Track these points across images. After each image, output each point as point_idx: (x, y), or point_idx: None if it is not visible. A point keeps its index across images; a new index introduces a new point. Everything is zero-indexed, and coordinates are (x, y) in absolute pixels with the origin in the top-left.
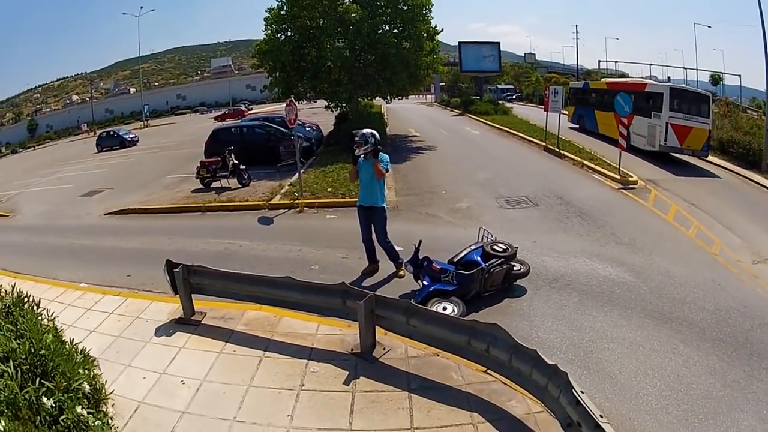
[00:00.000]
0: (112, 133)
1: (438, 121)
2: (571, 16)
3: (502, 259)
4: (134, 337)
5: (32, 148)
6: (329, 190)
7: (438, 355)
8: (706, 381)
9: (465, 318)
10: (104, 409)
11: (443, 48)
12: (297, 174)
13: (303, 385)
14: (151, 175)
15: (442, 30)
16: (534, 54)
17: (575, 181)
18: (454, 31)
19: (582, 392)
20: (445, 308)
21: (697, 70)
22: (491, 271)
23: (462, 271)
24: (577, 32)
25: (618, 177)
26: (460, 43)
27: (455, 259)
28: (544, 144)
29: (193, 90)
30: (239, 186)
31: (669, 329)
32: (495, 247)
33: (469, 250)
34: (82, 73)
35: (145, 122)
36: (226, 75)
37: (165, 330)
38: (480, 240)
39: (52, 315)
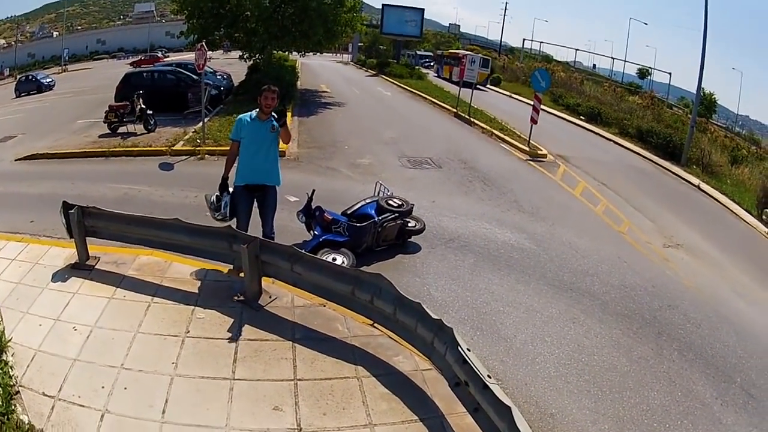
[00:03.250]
0: (29, 77)
1: (351, 79)
2: None
3: (397, 214)
4: (33, 284)
5: None
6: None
7: (324, 306)
8: (609, 354)
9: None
10: (4, 358)
11: (367, 9)
12: (202, 121)
13: (188, 332)
14: (63, 120)
15: None
16: (458, 26)
17: (482, 148)
18: None
19: (468, 350)
20: (334, 259)
21: (624, 61)
22: (384, 225)
23: (354, 223)
24: (505, 9)
25: (527, 149)
26: (383, 5)
27: (348, 211)
28: (455, 111)
29: (114, 35)
30: (145, 132)
31: (569, 299)
32: (390, 202)
33: (363, 203)
34: (11, 17)
35: (64, 67)
36: (148, 21)
37: (61, 275)
38: (376, 194)
39: None
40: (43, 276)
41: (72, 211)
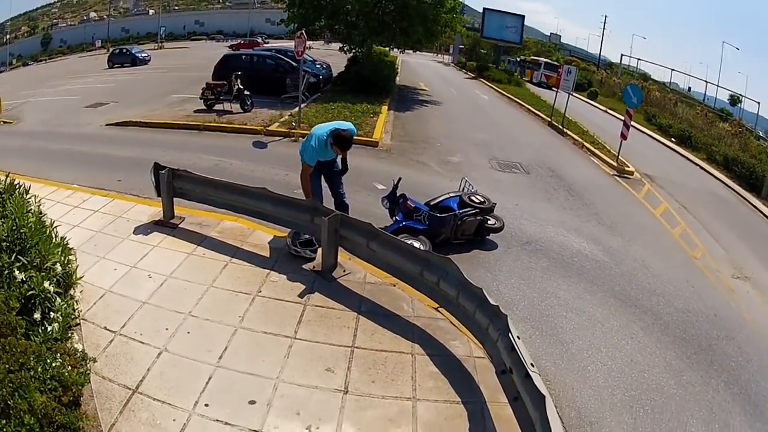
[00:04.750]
0: (124, 50)
1: (450, 80)
2: (604, 6)
3: (478, 210)
4: (113, 234)
5: (44, 61)
6: None
7: (395, 285)
8: (659, 374)
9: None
10: (72, 293)
11: (469, 12)
12: (299, 106)
13: (260, 291)
14: (157, 93)
15: None
16: (559, 36)
17: (571, 159)
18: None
19: (518, 337)
20: (411, 244)
21: (717, 86)
22: (464, 219)
23: (435, 213)
24: (605, 23)
25: (615, 164)
26: (484, 9)
27: (432, 203)
28: (549, 119)
29: (213, 17)
30: (241, 111)
31: (632, 314)
32: (473, 198)
33: (447, 196)
34: None
35: (160, 44)
36: (248, 6)
37: (143, 229)
38: (460, 190)
39: (38, 201)
40: (125, 228)
41: (163, 171)
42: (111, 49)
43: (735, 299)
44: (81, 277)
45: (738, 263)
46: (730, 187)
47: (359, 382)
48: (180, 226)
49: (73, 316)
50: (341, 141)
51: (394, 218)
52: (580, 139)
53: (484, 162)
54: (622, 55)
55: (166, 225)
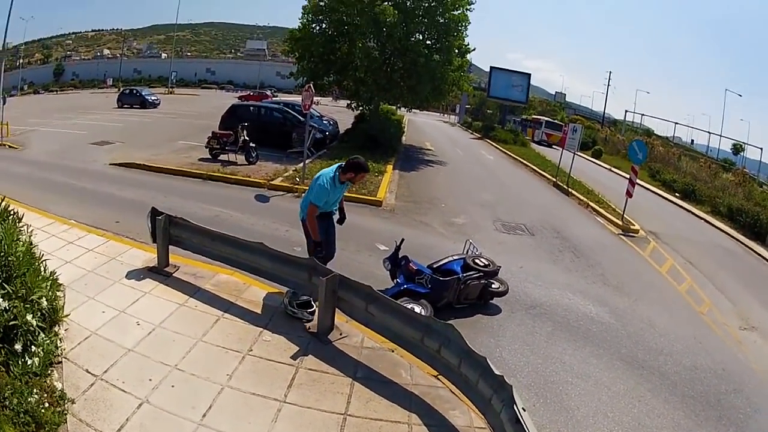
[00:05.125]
0: (134, 91)
1: (456, 140)
2: (608, 63)
3: (482, 274)
4: (105, 275)
5: (55, 92)
6: None
7: (393, 351)
8: None
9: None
10: (56, 329)
11: (475, 71)
12: (303, 161)
13: (251, 350)
14: (164, 137)
15: (474, 49)
16: (564, 94)
17: (577, 219)
18: (489, 57)
19: (524, 409)
20: (412, 309)
21: (720, 136)
22: (467, 283)
23: (438, 277)
24: (609, 79)
25: (620, 223)
26: (491, 67)
27: (435, 265)
28: (554, 180)
29: (224, 66)
30: (245, 163)
31: (639, 376)
32: (477, 261)
33: (450, 259)
34: (117, 29)
35: (171, 89)
36: (259, 58)
37: (136, 274)
38: (464, 252)
39: (32, 231)
40: (118, 270)
41: (160, 217)
42: (121, 89)
43: (743, 351)
44: (67, 315)
45: (745, 314)
46: (734, 238)
47: None
48: (174, 275)
49: (55, 354)
50: (356, 166)
51: (395, 281)
52: (585, 199)
53: (488, 223)
54: (626, 111)
55: (160, 272)
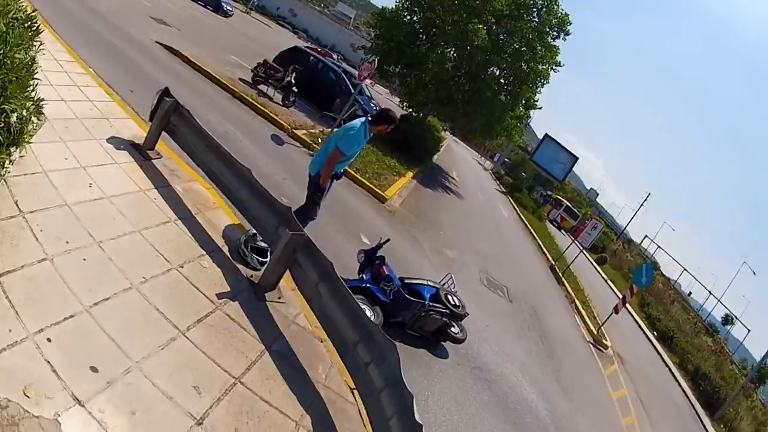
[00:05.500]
0: None
1: (482, 184)
2: (651, 182)
3: (448, 312)
4: (89, 128)
5: None
6: None
7: (322, 342)
8: None
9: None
10: (11, 150)
11: (527, 132)
12: (332, 127)
13: (182, 267)
14: (219, 45)
15: (540, 107)
16: (597, 194)
17: (557, 308)
18: (545, 126)
19: None
20: (364, 310)
21: (718, 301)
22: (429, 314)
23: (404, 293)
24: (645, 200)
25: (595, 333)
26: (546, 135)
27: (406, 280)
28: (552, 263)
29: (307, 15)
30: (280, 104)
31: None
32: (449, 297)
33: (425, 282)
34: None
35: (248, 10)
36: (342, 24)
37: (117, 142)
38: (440, 283)
39: (40, 48)
40: (103, 130)
41: (168, 99)
42: None
43: None
44: (30, 142)
45: None
46: (688, 397)
47: (219, 423)
48: (153, 160)
49: None
50: (389, 117)
51: (360, 275)
52: (572, 294)
53: (475, 271)
54: (645, 236)
55: (141, 152)
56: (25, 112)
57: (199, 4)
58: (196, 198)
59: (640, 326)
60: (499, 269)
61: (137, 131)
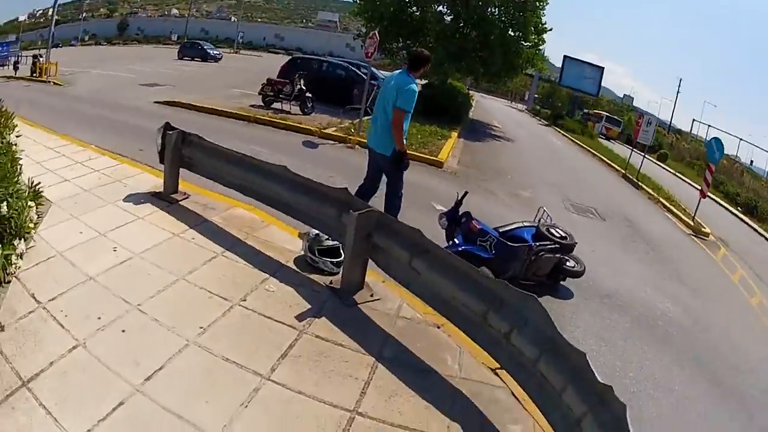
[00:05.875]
0: (197, 44)
1: (523, 124)
2: (680, 71)
3: (557, 246)
4: (101, 195)
5: (118, 44)
6: None
7: (440, 327)
8: None
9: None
10: (16, 243)
11: (546, 64)
12: (359, 116)
13: (245, 300)
14: (218, 85)
15: (551, 29)
16: (632, 98)
17: (647, 212)
18: (561, 52)
19: None
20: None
21: None
22: (539, 255)
23: (505, 242)
24: (679, 86)
25: (691, 223)
26: (565, 56)
27: (502, 229)
28: (623, 171)
29: (294, 33)
30: (300, 114)
31: (719, 396)
32: (552, 231)
33: (521, 224)
34: None
35: (236, 49)
36: (330, 29)
37: (136, 198)
38: (536, 220)
39: (16, 131)
40: (118, 193)
41: (171, 132)
42: (183, 42)
43: None
44: (35, 228)
45: None
46: None
47: None
48: (180, 202)
49: (7, 271)
50: (423, 57)
51: (451, 241)
52: (655, 194)
53: (557, 201)
54: (693, 120)
55: (164, 199)
56: (15, 200)
57: (185, 60)
58: (240, 223)
59: (723, 206)
60: (578, 193)
61: (155, 181)
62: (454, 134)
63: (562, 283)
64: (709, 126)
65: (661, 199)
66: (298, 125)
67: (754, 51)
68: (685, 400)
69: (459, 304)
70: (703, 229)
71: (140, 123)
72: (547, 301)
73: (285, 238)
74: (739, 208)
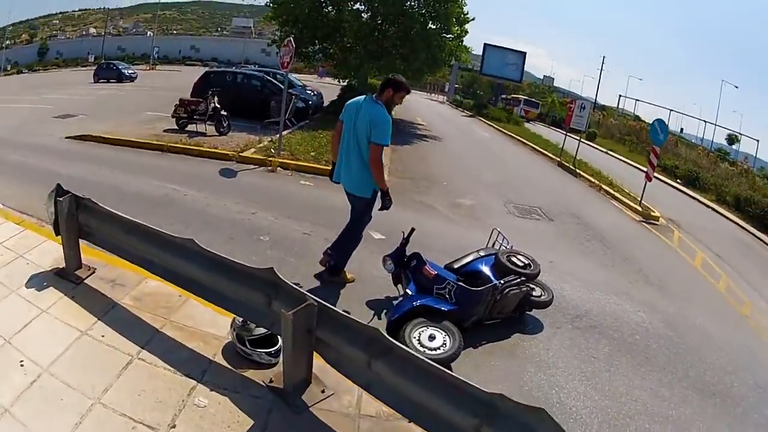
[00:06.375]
0: (111, 65)
1: (447, 117)
2: (598, 50)
3: (523, 278)
4: (3, 281)
5: (38, 71)
6: (312, 154)
7: (410, 421)
8: None
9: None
10: None
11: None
12: (279, 131)
13: (174, 426)
14: (132, 109)
15: (473, 18)
16: (553, 78)
17: (592, 203)
18: (478, 40)
19: None
20: (432, 337)
21: (715, 125)
22: (506, 293)
23: (467, 286)
24: (603, 63)
25: (639, 209)
26: (485, 44)
27: (455, 265)
28: (558, 159)
29: (209, 44)
30: (216, 134)
31: (714, 407)
32: (513, 259)
33: (476, 256)
34: (104, 8)
35: (152, 65)
36: (245, 36)
37: (39, 281)
38: (491, 245)
39: None
40: (20, 274)
41: (62, 198)
42: (98, 64)
43: None
44: None
45: None
46: (746, 229)
47: None
48: (87, 281)
49: None
50: (398, 83)
51: (402, 289)
52: (596, 181)
53: (499, 206)
54: (620, 96)
55: (69, 278)
56: None
57: (101, 83)
58: (154, 303)
59: (663, 182)
60: (519, 192)
61: (59, 252)
62: None
63: (528, 313)
64: (637, 100)
65: (603, 186)
66: (214, 151)
67: (676, 19)
68: (680, 426)
69: (440, 415)
70: (652, 214)
71: (49, 166)
72: (517, 340)
73: (207, 319)
74: (679, 180)
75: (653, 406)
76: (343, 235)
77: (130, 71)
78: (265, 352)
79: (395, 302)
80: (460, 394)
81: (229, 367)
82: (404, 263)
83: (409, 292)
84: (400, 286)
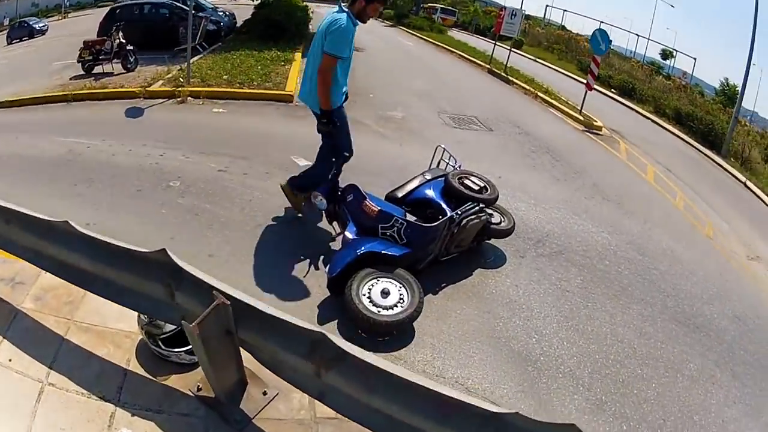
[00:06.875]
0: (22, 23)
1: (366, 28)
2: None
3: (482, 205)
4: None
5: None
6: (225, 77)
7: None
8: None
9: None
10: None
11: None
12: (187, 58)
13: None
14: (41, 63)
15: None
16: None
17: (531, 112)
18: None
19: None
20: (386, 292)
21: (648, 39)
22: (464, 225)
23: (419, 222)
24: None
25: (581, 118)
26: None
27: (400, 194)
28: (488, 66)
29: None
30: (123, 71)
31: (699, 344)
32: (467, 182)
33: (422, 180)
34: None
35: (64, 14)
36: None
37: None
38: (437, 165)
39: None
40: None
41: None
42: (10, 25)
43: (764, 289)
44: None
45: (744, 240)
46: (689, 144)
47: None
48: None
49: None
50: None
51: (339, 231)
52: (530, 88)
53: (433, 116)
54: (546, 6)
55: None
56: None
57: (15, 43)
58: (55, 301)
59: (599, 91)
60: (452, 100)
61: None
62: (298, 55)
63: (487, 242)
64: (565, 11)
65: (539, 94)
66: (120, 90)
67: None
68: (671, 368)
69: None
70: (595, 124)
71: None
72: (480, 276)
73: (115, 311)
74: (613, 90)
75: (640, 347)
76: (307, 172)
77: (41, 25)
78: (185, 351)
79: (335, 249)
80: (439, 405)
81: (147, 375)
82: (340, 199)
83: (349, 236)
84: (336, 223)
